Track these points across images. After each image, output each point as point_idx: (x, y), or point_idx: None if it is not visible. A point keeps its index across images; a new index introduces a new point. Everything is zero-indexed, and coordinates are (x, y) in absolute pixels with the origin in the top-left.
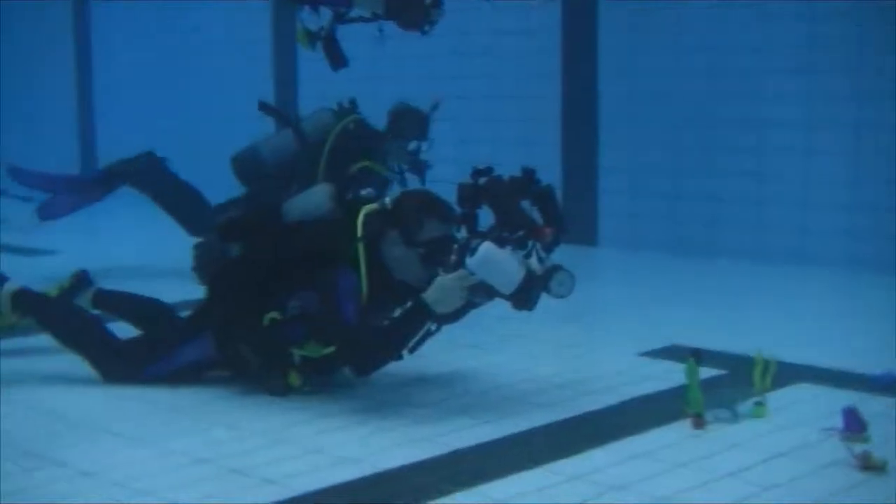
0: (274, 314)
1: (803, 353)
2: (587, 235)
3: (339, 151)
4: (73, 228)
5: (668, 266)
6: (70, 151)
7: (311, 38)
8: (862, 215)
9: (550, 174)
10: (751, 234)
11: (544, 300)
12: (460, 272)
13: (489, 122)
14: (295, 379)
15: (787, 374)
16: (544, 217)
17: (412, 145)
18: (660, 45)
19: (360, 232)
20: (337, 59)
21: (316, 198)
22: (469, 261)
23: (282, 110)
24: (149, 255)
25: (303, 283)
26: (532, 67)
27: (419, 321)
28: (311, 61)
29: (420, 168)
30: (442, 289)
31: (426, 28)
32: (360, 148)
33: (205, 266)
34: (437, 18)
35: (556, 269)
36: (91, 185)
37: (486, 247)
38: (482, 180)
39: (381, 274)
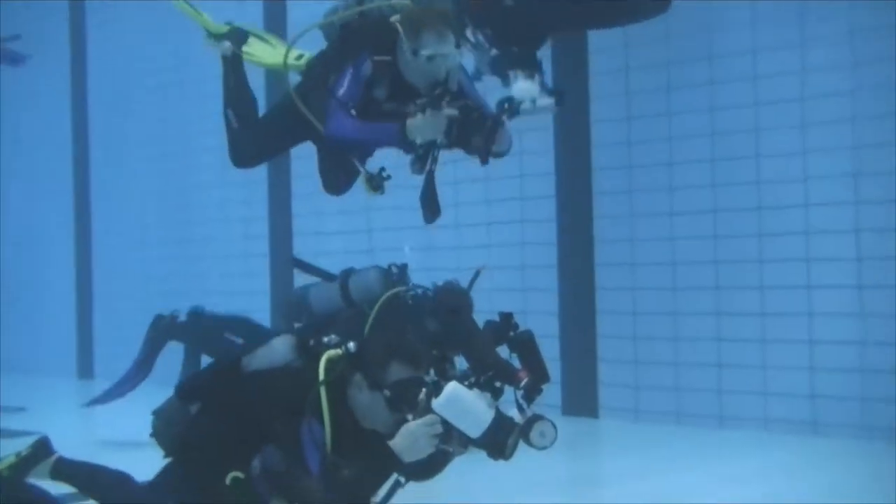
0: (236, 473)
1: None
2: (587, 407)
3: (382, 321)
4: (65, 408)
5: (672, 437)
6: None
7: (374, 181)
8: (874, 379)
9: (548, 343)
10: (757, 401)
11: (539, 470)
12: (428, 417)
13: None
14: None
15: None
16: (523, 364)
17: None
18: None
19: (321, 377)
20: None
21: (276, 349)
22: (434, 402)
23: (316, 267)
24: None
25: (266, 439)
26: (529, 235)
27: (386, 470)
28: (305, 216)
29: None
30: (409, 435)
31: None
32: (402, 321)
33: (164, 431)
34: None
35: (537, 418)
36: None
37: (451, 386)
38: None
39: (348, 422)
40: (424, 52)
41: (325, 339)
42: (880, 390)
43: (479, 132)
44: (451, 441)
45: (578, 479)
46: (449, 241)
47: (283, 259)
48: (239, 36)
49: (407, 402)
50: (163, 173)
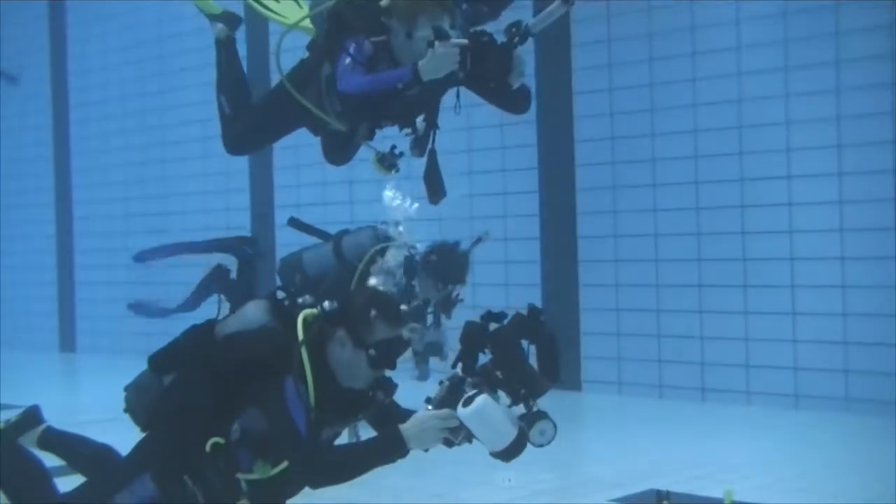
0: (217, 439)
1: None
2: (570, 380)
3: (368, 276)
4: (52, 383)
5: (655, 410)
6: None
7: (385, 161)
8: (857, 351)
9: None
10: (739, 374)
11: None
12: (445, 411)
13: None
14: None
15: None
16: (540, 361)
17: (448, 287)
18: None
19: (300, 336)
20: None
21: (249, 314)
22: (461, 410)
23: (312, 226)
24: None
25: (245, 403)
26: (511, 207)
27: (391, 453)
28: (287, 188)
29: (449, 308)
30: (421, 425)
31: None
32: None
33: (137, 404)
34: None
35: (540, 416)
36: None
37: (483, 402)
38: (493, 326)
39: (328, 382)
40: (420, 35)
41: (300, 300)
42: (862, 363)
43: (493, 55)
44: (458, 434)
45: (562, 453)
46: (430, 212)
47: (265, 231)
48: (234, 19)
49: (389, 361)
50: (143, 147)
